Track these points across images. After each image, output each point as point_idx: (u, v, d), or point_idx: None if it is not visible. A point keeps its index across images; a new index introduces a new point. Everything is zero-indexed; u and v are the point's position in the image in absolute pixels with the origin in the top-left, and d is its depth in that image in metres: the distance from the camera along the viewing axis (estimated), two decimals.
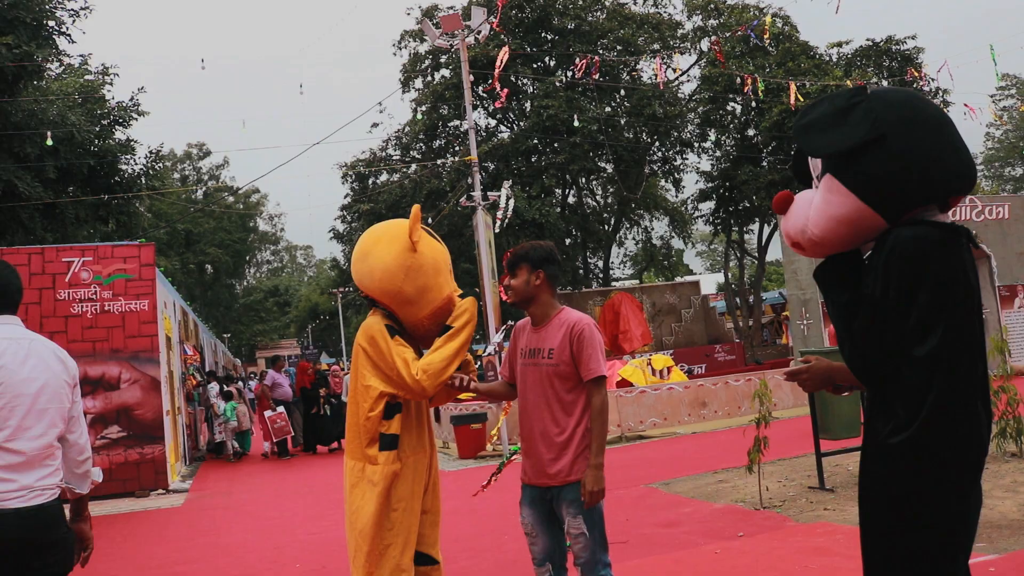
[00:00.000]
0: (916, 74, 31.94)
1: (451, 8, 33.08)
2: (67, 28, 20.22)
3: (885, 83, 31.85)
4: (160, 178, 27.76)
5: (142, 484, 13.09)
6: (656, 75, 34.78)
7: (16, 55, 16.95)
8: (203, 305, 62.97)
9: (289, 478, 14.09)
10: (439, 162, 32.31)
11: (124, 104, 24.23)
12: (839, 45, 34.22)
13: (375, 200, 33.61)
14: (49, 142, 17.61)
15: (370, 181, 37.09)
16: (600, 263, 39.89)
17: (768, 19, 33.10)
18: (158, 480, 13.20)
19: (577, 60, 26.86)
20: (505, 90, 23.06)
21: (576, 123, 28.17)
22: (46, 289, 13.03)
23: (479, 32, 13.86)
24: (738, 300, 38.01)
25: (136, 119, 24.40)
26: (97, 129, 23.12)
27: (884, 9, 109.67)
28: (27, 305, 12.89)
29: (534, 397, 3.99)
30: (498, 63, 16.54)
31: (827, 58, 33.69)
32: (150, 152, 24.70)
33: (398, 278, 3.94)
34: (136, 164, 24.94)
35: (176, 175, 62.19)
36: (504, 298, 4.08)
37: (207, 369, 22.92)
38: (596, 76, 32.04)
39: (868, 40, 33.37)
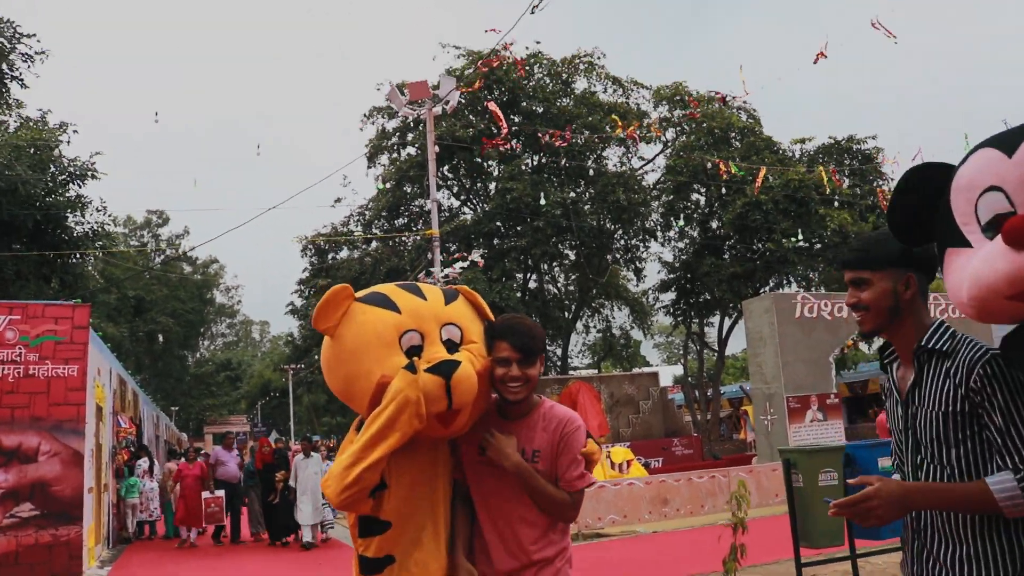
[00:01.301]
0: (877, 172, 32.35)
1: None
2: (20, 73, 19.49)
3: (846, 180, 32.20)
4: (110, 239, 26.79)
5: (53, 570, 11.88)
6: (622, 161, 35.13)
7: None
8: (152, 375, 61.13)
9: (221, 568, 12.98)
10: (402, 235, 31.79)
11: (80, 162, 23.45)
12: (802, 141, 34.58)
13: (333, 276, 32.94)
14: None
15: (329, 256, 36.48)
16: (559, 351, 39.30)
17: (734, 116, 33.62)
18: (72, 566, 12.01)
19: (546, 137, 26.69)
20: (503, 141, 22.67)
21: (543, 201, 27.86)
22: None
23: (447, 102, 13.40)
24: (696, 393, 37.49)
25: (91, 178, 23.60)
26: (48, 183, 22.22)
27: (847, 111, 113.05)
28: None
29: (500, 502, 3.23)
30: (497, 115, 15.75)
31: (790, 153, 33.98)
32: (99, 209, 23.73)
33: (328, 374, 3.28)
34: (86, 223, 24.05)
35: (135, 241, 61.07)
36: (509, 393, 3.17)
37: (143, 443, 21.67)
38: (563, 160, 32.15)
39: (830, 138, 33.75)
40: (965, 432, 2.39)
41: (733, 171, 25.13)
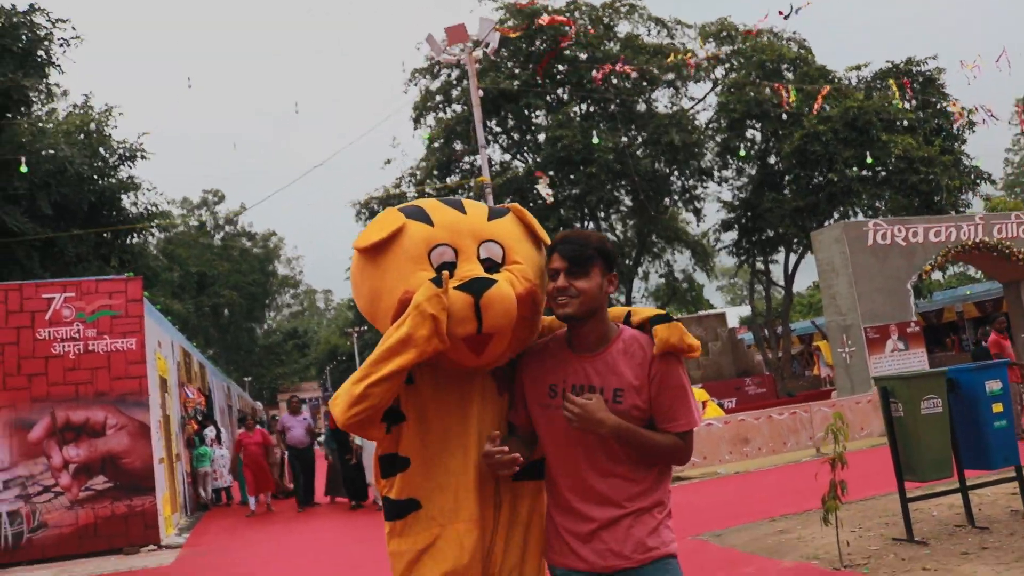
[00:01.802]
0: (940, 94, 30.90)
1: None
2: (56, 58, 19.38)
3: (907, 105, 30.77)
4: (165, 216, 26.88)
5: (131, 540, 11.90)
6: (672, 102, 34.15)
7: (2, 85, 16.04)
8: (222, 349, 62.15)
9: (295, 532, 12.84)
10: (455, 188, 31.39)
11: (129, 143, 23.51)
12: (858, 68, 33.15)
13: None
14: (23, 168, 16.59)
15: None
16: (622, 298, 38.68)
17: (784, 47, 32.35)
18: (148, 535, 12.00)
19: (600, 73, 25.89)
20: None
21: (596, 139, 27.08)
22: (24, 328, 11.97)
23: (487, 45, 12.83)
24: (766, 332, 36.67)
25: (140, 159, 23.65)
26: (99, 165, 22.29)
27: (904, 33, 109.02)
28: (3, 345, 11.86)
29: (579, 453, 2.71)
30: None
31: (846, 81, 32.63)
32: (149, 188, 23.83)
33: (354, 291, 2.93)
34: (140, 203, 24.15)
35: (194, 221, 61.72)
36: (557, 308, 2.70)
37: (212, 414, 21.73)
38: (612, 106, 31.30)
39: (888, 62, 32.26)
40: None
41: (792, 98, 24.08)
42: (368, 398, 2.57)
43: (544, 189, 14.26)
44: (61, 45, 19.73)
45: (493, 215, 2.83)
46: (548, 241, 2.86)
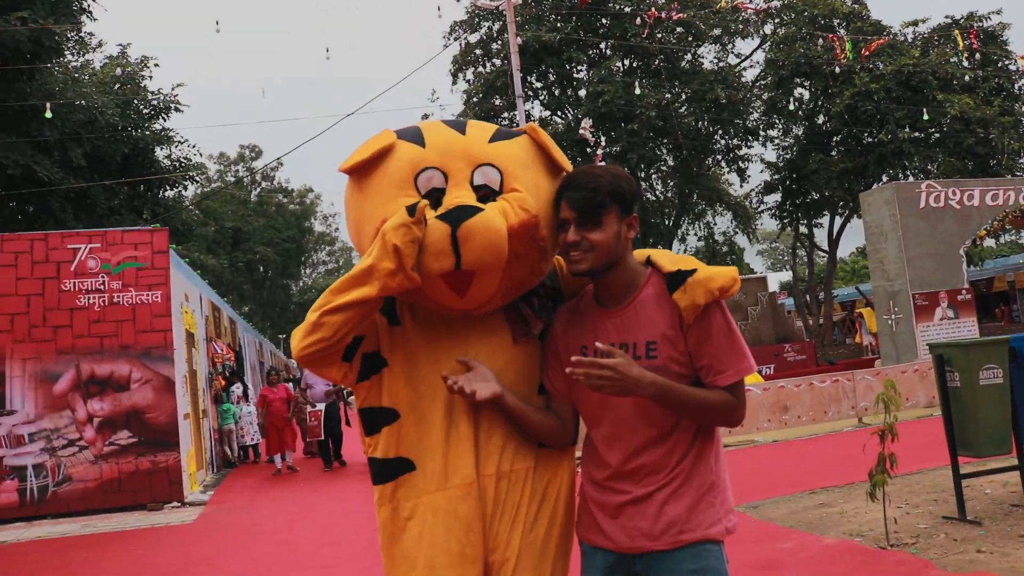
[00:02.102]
0: (1003, 51, 29.65)
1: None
2: (88, 4, 19.09)
3: (966, 63, 29.60)
4: (199, 170, 26.71)
5: (155, 496, 11.75)
6: (718, 58, 33.23)
7: (33, 32, 15.78)
8: (258, 305, 62.44)
9: (322, 491, 12.64)
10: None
11: (163, 95, 23.31)
12: (914, 24, 31.97)
13: None
14: (48, 115, 16.36)
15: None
16: None
17: (837, 1, 31.24)
18: (172, 491, 11.85)
19: (644, 17, 25.14)
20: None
21: (638, 90, 26.34)
22: (50, 279, 11.79)
23: None
24: (807, 297, 35.94)
25: (175, 111, 23.46)
26: (133, 117, 22.13)
27: None
28: (29, 297, 11.69)
29: (618, 420, 2.33)
30: None
31: (902, 38, 31.46)
32: (181, 141, 23.67)
33: (347, 222, 2.58)
34: (173, 157, 24.02)
35: (231, 177, 61.76)
36: (570, 265, 2.32)
37: (241, 370, 21.60)
38: (656, 61, 30.50)
39: (947, 17, 31.01)
40: None
41: (848, 48, 23.16)
42: (322, 328, 2.27)
43: (587, 134, 13.87)
44: None
45: (499, 137, 2.45)
46: (569, 168, 2.46)
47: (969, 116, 26.76)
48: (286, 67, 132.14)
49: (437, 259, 2.21)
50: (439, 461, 2.34)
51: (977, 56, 28.88)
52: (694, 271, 2.27)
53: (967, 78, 28.49)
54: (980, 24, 30.44)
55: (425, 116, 38.59)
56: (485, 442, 2.37)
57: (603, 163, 25.82)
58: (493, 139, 2.43)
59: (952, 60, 29.07)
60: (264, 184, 65.32)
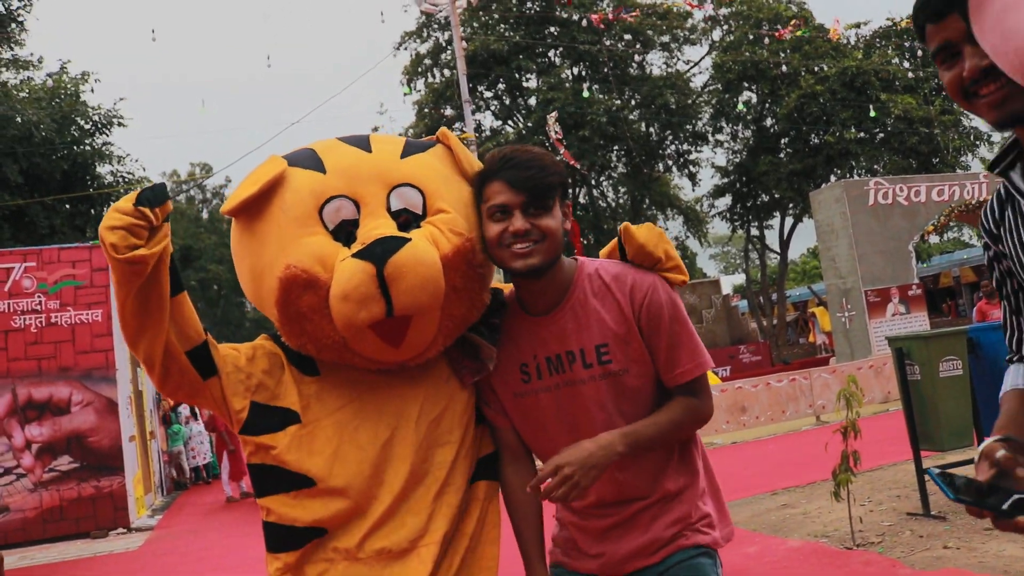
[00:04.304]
0: None
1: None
2: (19, 15, 18.59)
3: (907, 66, 30.09)
4: (143, 184, 26.19)
5: (99, 523, 11.34)
6: (667, 64, 33.42)
7: None
8: (211, 324, 61.44)
9: None
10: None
11: (104, 110, 22.74)
12: (857, 26, 32.41)
13: None
14: None
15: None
16: None
17: (781, 6, 31.58)
18: (118, 517, 11.44)
19: (593, 16, 25.14)
20: None
21: (586, 93, 26.33)
22: None
23: None
24: (760, 299, 36.20)
25: (117, 126, 22.89)
26: (73, 133, 21.55)
27: None
28: None
29: (571, 434, 2.05)
30: None
31: (845, 40, 31.89)
32: (121, 157, 23.14)
33: (238, 273, 2.15)
34: (116, 173, 23.44)
35: (181, 196, 60.81)
36: (515, 259, 1.97)
37: None
38: (606, 69, 30.54)
39: (888, 20, 31.48)
40: None
41: (801, 33, 23.32)
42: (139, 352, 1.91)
43: (554, 129, 13.80)
44: (22, 3, 18.90)
45: (410, 150, 2.09)
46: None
47: (912, 115, 27.20)
48: (229, 74, 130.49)
49: (363, 307, 1.85)
50: (363, 528, 1.98)
51: (918, 56, 29.36)
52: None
53: (909, 77, 28.93)
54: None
55: (375, 129, 38.27)
56: (424, 506, 2.02)
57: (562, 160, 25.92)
58: (405, 153, 2.08)
59: (894, 61, 29.52)
60: (215, 201, 64.44)
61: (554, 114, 15.27)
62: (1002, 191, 1.69)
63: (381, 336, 1.91)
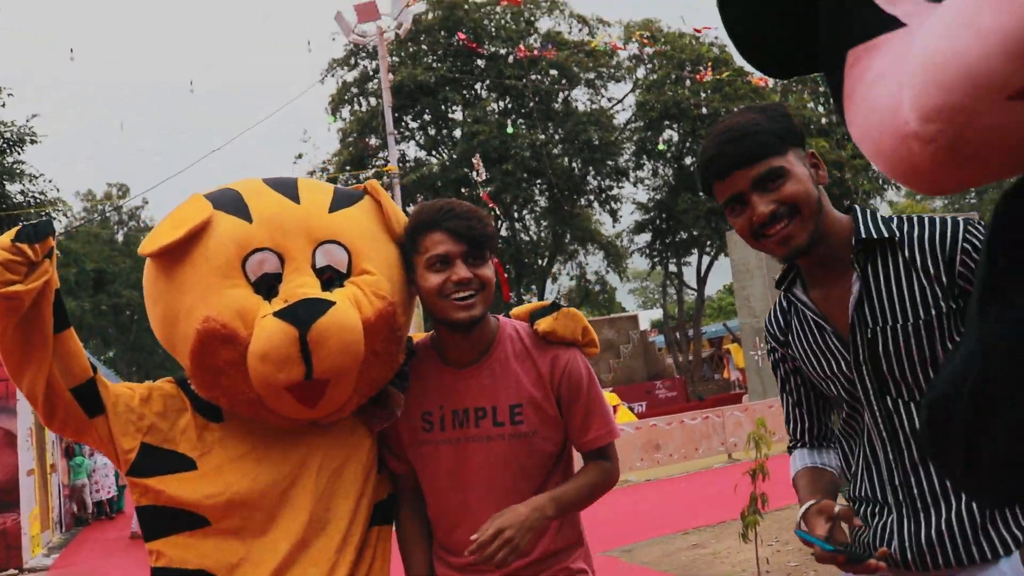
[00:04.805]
0: None
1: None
2: None
3: (821, 108, 31.18)
4: (55, 206, 25.41)
5: None
6: (592, 101, 33.98)
7: None
8: (124, 350, 59.72)
9: None
10: (365, 177, 30.51)
11: (16, 126, 22.08)
12: None
13: None
14: None
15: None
16: (534, 299, 38.35)
17: (703, 47, 32.44)
18: (11, 557, 10.96)
19: (517, 53, 25.45)
20: None
21: (510, 129, 26.62)
22: None
23: (399, 26, 12.16)
24: (677, 335, 36.77)
25: (30, 143, 22.25)
26: None
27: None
28: None
29: (471, 499, 2.08)
30: None
31: (763, 84, 32.86)
32: (34, 176, 22.44)
33: (149, 313, 2.11)
34: (28, 192, 22.75)
35: (97, 216, 59.26)
36: (457, 310, 1.97)
37: None
38: (531, 103, 30.91)
39: None
40: (955, 340, 1.65)
41: (717, 76, 24.07)
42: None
43: (478, 172, 13.87)
44: None
45: (338, 203, 2.05)
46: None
47: (825, 158, 27.98)
48: (152, 95, 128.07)
49: (282, 369, 1.81)
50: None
51: (831, 101, 30.43)
52: (563, 306, 2.14)
53: (823, 121, 29.94)
54: None
55: (299, 156, 37.89)
56: (327, 557, 1.97)
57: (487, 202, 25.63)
58: (334, 206, 2.04)
59: (808, 105, 30.49)
60: (132, 224, 62.95)
61: (477, 157, 15.51)
62: (784, 303, 1.98)
63: (297, 397, 1.88)
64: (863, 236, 1.75)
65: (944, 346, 1.66)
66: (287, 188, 2.05)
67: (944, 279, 1.67)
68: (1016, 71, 0.75)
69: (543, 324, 2.10)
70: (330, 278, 1.94)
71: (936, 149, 0.85)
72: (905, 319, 1.68)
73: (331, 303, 1.84)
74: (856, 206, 1.85)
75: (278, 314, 1.82)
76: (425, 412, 2.09)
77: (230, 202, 1.97)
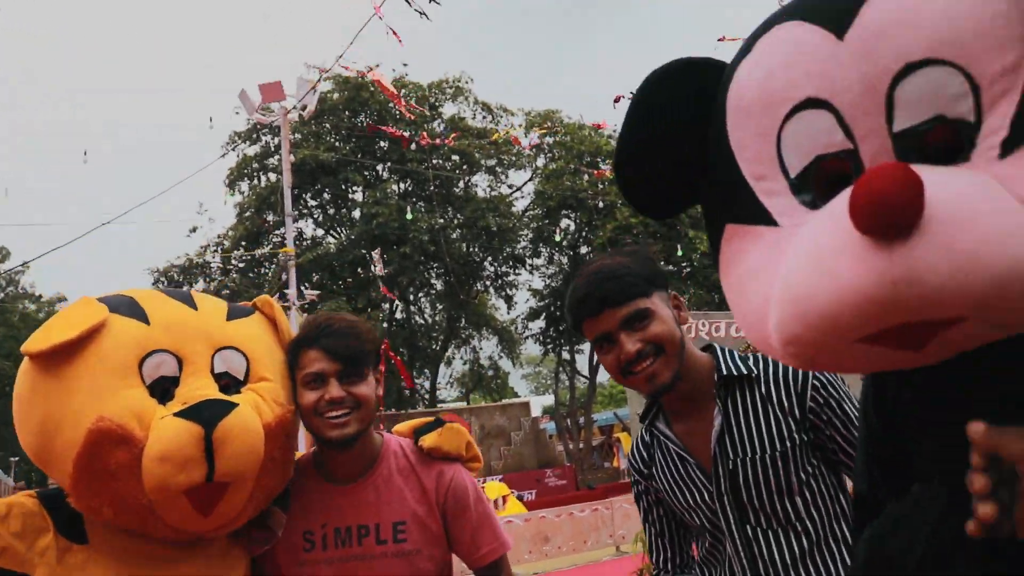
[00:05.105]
0: None
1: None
2: None
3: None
4: None
5: None
6: (491, 187, 34.56)
7: None
8: None
9: None
10: (261, 253, 30.14)
11: None
12: None
13: None
14: None
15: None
16: (427, 383, 38.15)
17: (603, 140, 33.52)
18: None
19: (419, 140, 25.73)
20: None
21: (410, 215, 26.76)
22: None
23: (304, 107, 12.23)
24: (568, 422, 37.00)
25: None
26: None
27: None
28: None
29: None
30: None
31: None
32: None
33: (18, 419, 1.94)
34: None
35: None
36: (330, 429, 1.99)
37: None
38: (431, 186, 31.24)
39: None
40: (807, 470, 1.79)
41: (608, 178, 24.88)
42: None
43: (377, 267, 13.85)
44: None
45: (234, 314, 2.10)
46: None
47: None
48: (42, 161, 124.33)
49: (183, 469, 1.75)
50: None
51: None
52: (446, 423, 2.16)
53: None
54: None
55: (194, 229, 37.06)
56: None
57: (371, 290, 25.51)
58: (231, 316, 2.07)
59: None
60: (10, 289, 60.30)
61: (378, 250, 15.65)
62: (647, 436, 2.06)
63: (193, 502, 1.81)
64: (724, 373, 1.88)
65: (797, 476, 1.78)
66: (182, 296, 2.08)
67: (796, 413, 1.80)
68: (865, 322, 0.90)
69: (428, 440, 2.13)
70: (227, 384, 1.93)
71: (794, 361, 1.03)
72: (763, 451, 1.79)
73: (235, 404, 1.84)
74: (714, 344, 1.98)
75: (180, 413, 1.78)
76: (307, 531, 2.06)
77: (125, 305, 1.95)
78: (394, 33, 11.07)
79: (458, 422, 2.18)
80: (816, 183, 1.05)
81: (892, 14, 0.98)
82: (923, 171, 0.89)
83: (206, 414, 1.78)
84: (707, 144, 1.21)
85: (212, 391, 1.87)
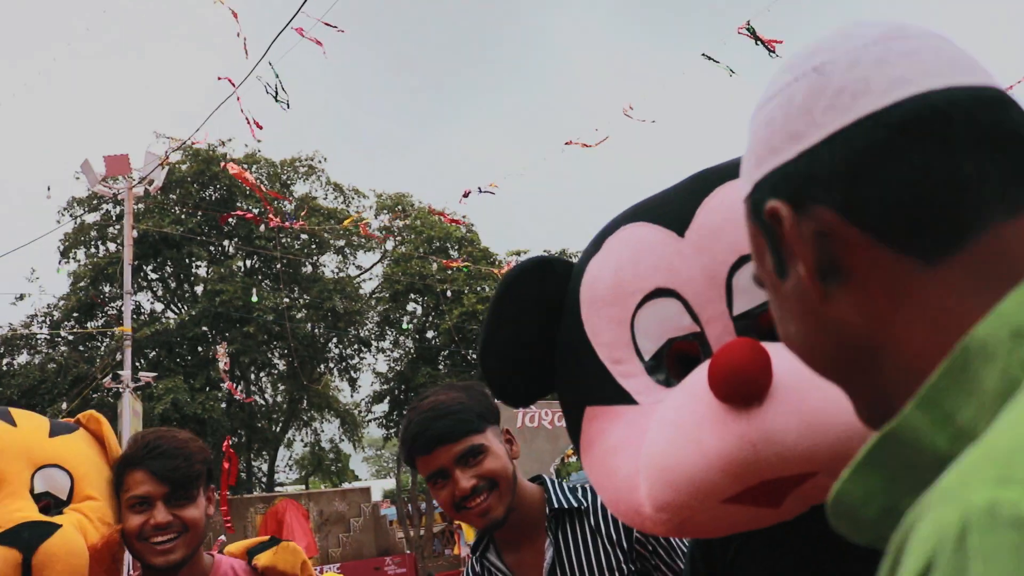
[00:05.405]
0: None
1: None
2: None
3: None
4: None
5: None
6: (339, 268, 34.35)
7: None
8: None
9: None
10: (94, 326, 28.75)
11: None
12: (518, 253, 35.45)
13: (6, 384, 28.97)
14: None
15: (4, 361, 32.08)
16: (265, 466, 36.88)
17: (452, 227, 34.03)
18: None
19: (268, 220, 25.34)
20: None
21: (255, 298, 26.18)
22: None
23: (151, 182, 11.99)
24: (409, 508, 36.49)
25: None
26: None
27: (566, 222, 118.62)
28: None
29: None
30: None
31: (506, 264, 34.69)
32: None
33: None
34: None
35: None
36: (154, 555, 1.90)
37: None
38: (279, 264, 30.78)
39: (545, 251, 34.74)
40: None
41: (464, 267, 25.29)
42: None
43: (222, 360, 13.50)
44: None
45: (58, 430, 1.99)
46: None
47: None
48: None
49: None
50: None
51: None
52: (281, 540, 2.18)
53: None
54: (570, 256, 34.46)
55: (21, 296, 34.97)
56: None
57: (210, 369, 24.71)
58: (54, 433, 1.97)
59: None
60: None
61: (223, 345, 15.30)
62: (477, 567, 2.05)
63: None
64: (556, 506, 1.93)
65: None
66: (2, 414, 1.97)
67: (624, 544, 1.87)
68: (729, 484, 1.09)
69: (262, 559, 2.12)
70: (47, 505, 1.85)
71: (665, 527, 1.20)
72: None
73: (57, 526, 1.75)
74: (544, 476, 2.07)
75: None
76: None
77: None
78: (257, 124, 11.05)
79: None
80: (669, 363, 1.23)
81: (724, 214, 1.19)
82: (767, 346, 1.05)
83: (26, 537, 1.70)
84: (560, 339, 1.38)
85: (31, 512, 1.78)
